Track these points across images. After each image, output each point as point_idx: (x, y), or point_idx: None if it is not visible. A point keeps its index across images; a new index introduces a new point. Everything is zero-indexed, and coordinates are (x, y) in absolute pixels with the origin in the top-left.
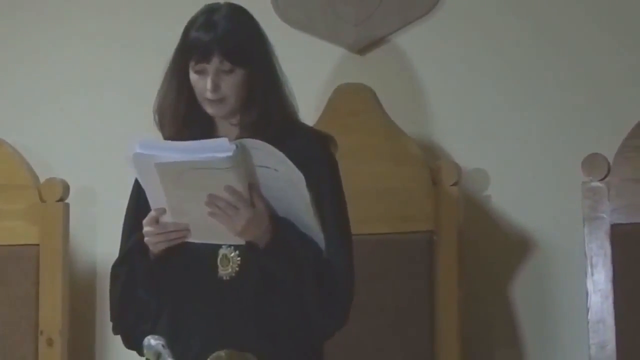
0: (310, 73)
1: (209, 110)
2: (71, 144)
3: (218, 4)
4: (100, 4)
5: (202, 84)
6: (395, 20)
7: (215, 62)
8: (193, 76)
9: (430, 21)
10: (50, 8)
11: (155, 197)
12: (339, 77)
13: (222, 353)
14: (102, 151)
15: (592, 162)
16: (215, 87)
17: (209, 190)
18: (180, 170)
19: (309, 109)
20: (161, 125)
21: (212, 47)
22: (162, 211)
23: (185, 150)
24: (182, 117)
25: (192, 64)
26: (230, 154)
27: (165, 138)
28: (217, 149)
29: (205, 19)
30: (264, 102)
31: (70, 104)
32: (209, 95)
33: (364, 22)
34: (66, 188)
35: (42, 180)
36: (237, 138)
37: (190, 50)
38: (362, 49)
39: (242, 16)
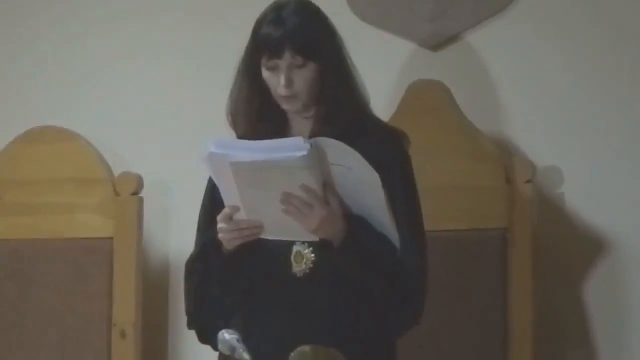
0: (382, 68)
1: (284, 105)
2: (146, 137)
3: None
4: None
5: (275, 80)
6: (469, 17)
7: (287, 57)
8: (265, 73)
9: (504, 18)
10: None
11: (229, 195)
12: (411, 73)
13: (306, 348)
14: (177, 145)
15: None
16: (289, 83)
17: (283, 188)
18: (254, 169)
19: (380, 104)
20: (234, 124)
21: (283, 42)
22: (236, 208)
23: (260, 149)
24: (256, 114)
25: (263, 60)
26: (305, 152)
27: (239, 137)
28: (292, 148)
29: (274, 16)
30: (335, 94)
31: (145, 98)
32: (282, 91)
33: (438, 18)
34: (140, 182)
35: (116, 174)
36: (310, 131)
37: (261, 47)
38: (436, 46)
39: (309, 10)
